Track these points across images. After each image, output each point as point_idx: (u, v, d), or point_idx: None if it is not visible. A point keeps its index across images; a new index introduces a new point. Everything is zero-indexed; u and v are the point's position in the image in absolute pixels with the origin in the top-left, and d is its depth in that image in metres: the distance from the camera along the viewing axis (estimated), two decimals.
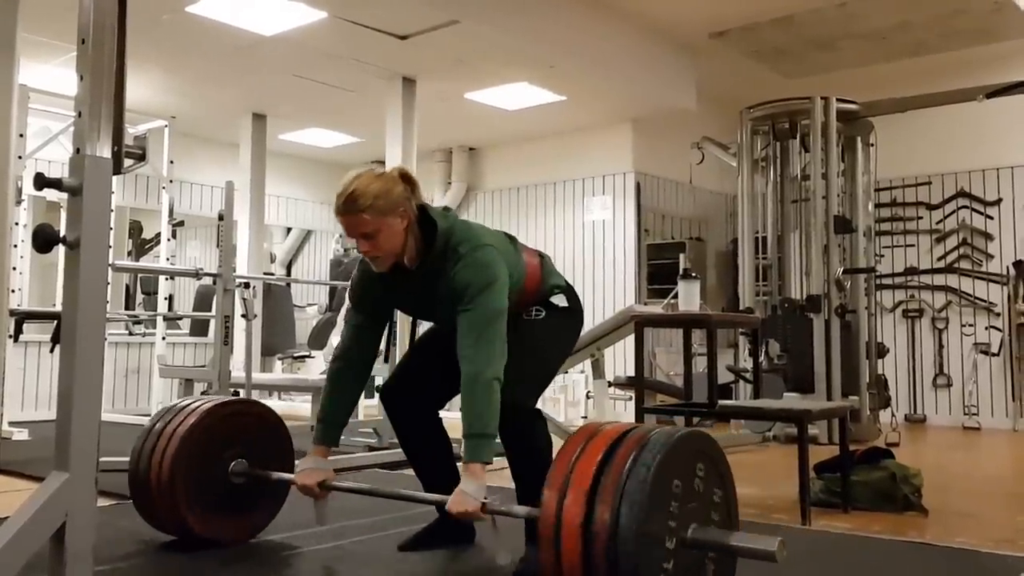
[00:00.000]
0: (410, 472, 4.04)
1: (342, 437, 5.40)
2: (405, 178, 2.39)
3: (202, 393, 4.40)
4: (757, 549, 1.79)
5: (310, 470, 2.50)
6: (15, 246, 5.27)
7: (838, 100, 6.22)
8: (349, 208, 2.30)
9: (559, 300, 2.60)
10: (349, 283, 2.63)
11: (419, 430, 2.69)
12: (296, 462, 2.67)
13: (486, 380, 2.22)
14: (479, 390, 2.22)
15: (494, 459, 2.23)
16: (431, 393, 2.66)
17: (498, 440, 2.30)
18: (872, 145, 6.55)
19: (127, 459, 4.11)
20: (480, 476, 2.17)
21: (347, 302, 2.63)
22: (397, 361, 3.95)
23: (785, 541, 1.75)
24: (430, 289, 2.42)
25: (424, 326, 2.78)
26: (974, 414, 7.17)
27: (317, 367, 7.90)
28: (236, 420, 2.71)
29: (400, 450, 4.90)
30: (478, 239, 2.40)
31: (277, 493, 2.78)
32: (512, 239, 2.61)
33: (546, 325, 2.56)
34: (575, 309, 2.66)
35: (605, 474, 1.74)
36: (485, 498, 2.14)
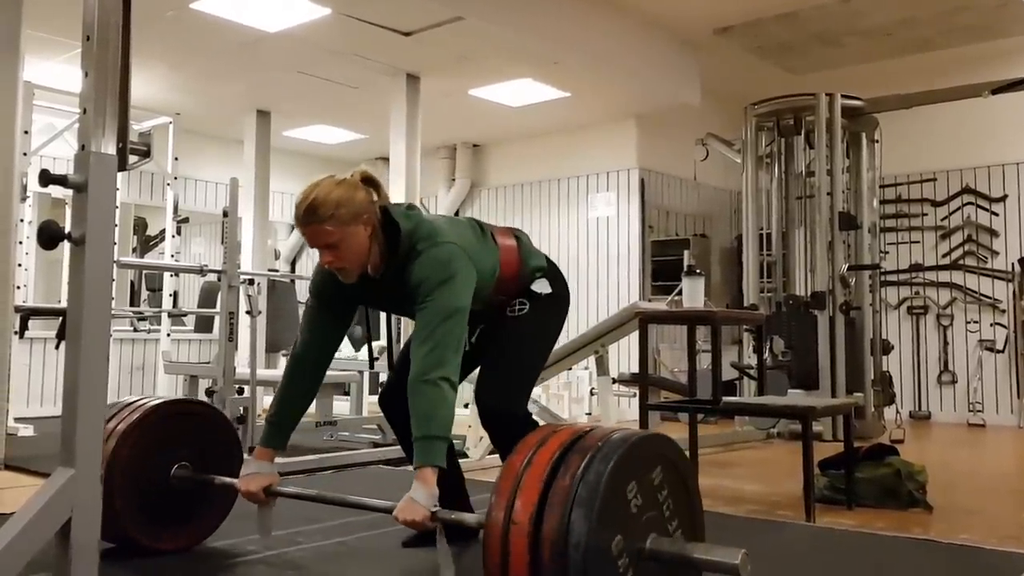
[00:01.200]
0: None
1: (346, 433, 5.41)
2: (367, 181, 2.30)
3: (207, 390, 4.40)
4: (720, 562, 1.64)
5: (253, 475, 2.36)
6: (20, 243, 5.28)
7: (843, 96, 6.21)
8: (310, 218, 2.19)
9: (541, 287, 2.52)
10: (311, 280, 2.48)
11: None
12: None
13: (432, 380, 2.09)
14: (426, 390, 2.09)
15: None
16: None
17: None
18: (877, 141, 6.53)
19: None
20: (429, 482, 2.02)
21: (308, 298, 2.49)
22: (376, 351, 3.92)
23: (748, 554, 1.62)
24: (397, 291, 2.30)
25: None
26: (979, 411, 7.15)
27: None
28: (179, 421, 2.57)
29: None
30: (437, 235, 2.28)
31: (224, 499, 2.64)
32: (480, 225, 2.50)
33: (530, 320, 2.49)
34: (559, 294, 2.56)
35: (557, 479, 1.60)
36: (435, 506, 2.00)
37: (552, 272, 2.59)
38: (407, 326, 5.39)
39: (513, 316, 2.50)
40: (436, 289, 2.18)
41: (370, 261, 2.29)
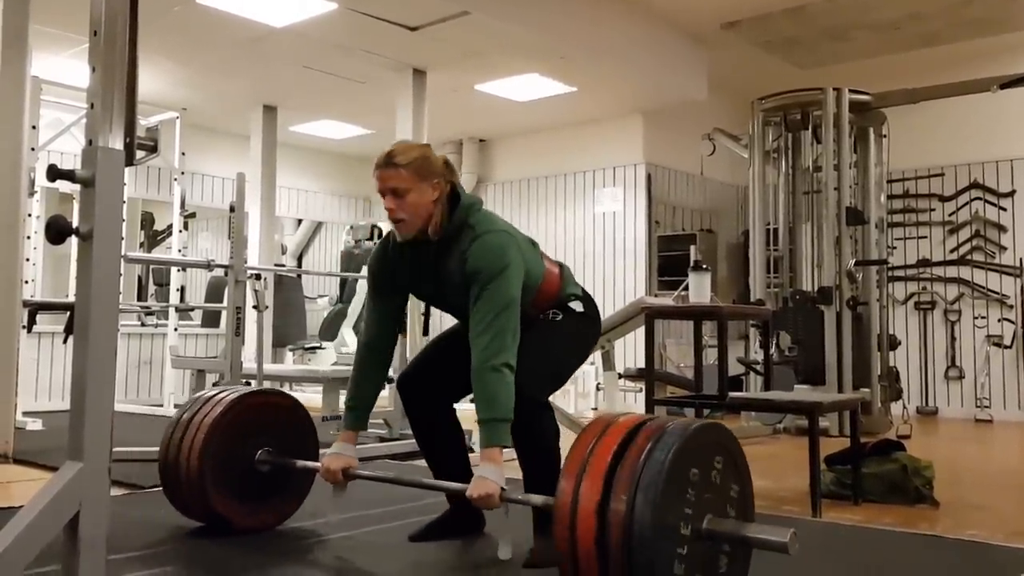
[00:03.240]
0: (422, 463, 4.05)
1: None
2: (447, 163, 2.45)
3: (214, 384, 4.41)
4: (770, 540, 1.80)
5: (336, 455, 2.53)
6: (28, 237, 5.30)
7: (850, 91, 6.19)
8: (388, 161, 2.36)
9: (576, 305, 2.59)
10: (367, 269, 2.66)
11: (433, 421, 2.70)
12: (321, 451, 2.71)
13: (495, 367, 2.24)
14: (489, 377, 2.24)
15: (511, 455, 2.22)
16: (447, 386, 2.65)
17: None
18: (884, 136, 6.51)
19: (140, 449, 4.16)
20: (498, 460, 2.20)
21: (367, 289, 2.66)
22: (408, 347, 4.00)
23: (797, 533, 1.76)
24: (443, 270, 2.42)
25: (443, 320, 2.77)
26: (986, 406, 7.13)
27: (328, 358, 7.93)
28: (261, 410, 2.76)
29: (411, 441, 4.92)
30: (494, 224, 2.42)
31: (302, 481, 2.83)
32: (534, 244, 2.62)
33: (563, 326, 2.55)
34: (592, 316, 2.65)
35: (621, 463, 1.74)
36: (503, 487, 2.16)
37: (587, 299, 2.66)
38: (415, 314, 5.40)
39: (546, 320, 2.54)
40: (492, 280, 2.30)
41: (431, 225, 2.40)
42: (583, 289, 2.69)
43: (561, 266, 2.66)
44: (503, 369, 2.24)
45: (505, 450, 2.27)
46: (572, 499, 1.75)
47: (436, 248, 2.43)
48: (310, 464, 2.72)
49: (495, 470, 2.18)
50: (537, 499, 2.13)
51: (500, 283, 2.30)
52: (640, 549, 1.65)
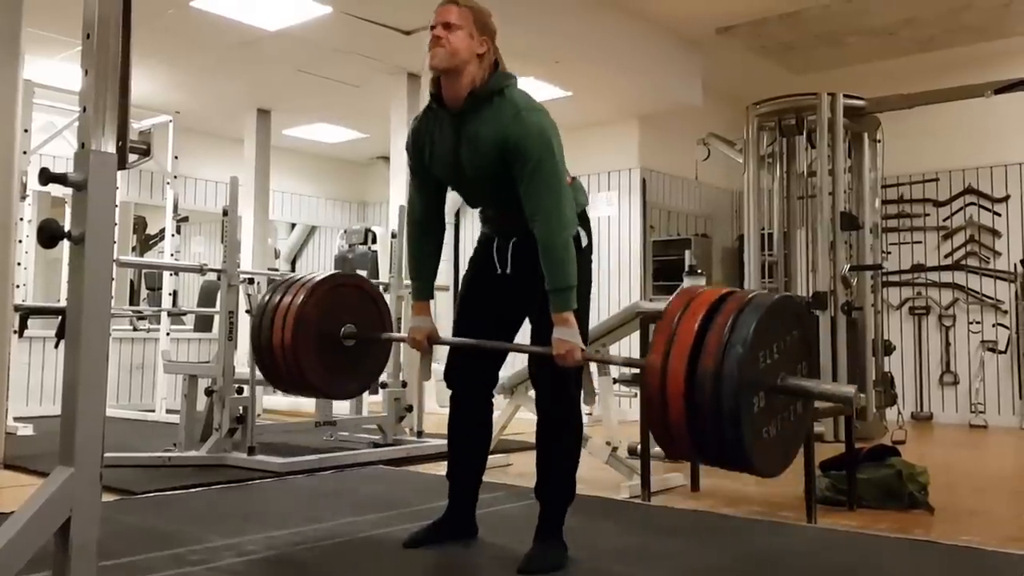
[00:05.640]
0: (414, 469, 4.03)
1: (346, 434, 5.41)
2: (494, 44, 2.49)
3: (206, 390, 4.39)
4: (837, 394, 2.19)
5: (418, 327, 2.65)
6: (20, 241, 5.27)
7: (845, 96, 6.19)
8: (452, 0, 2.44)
9: (581, 238, 2.54)
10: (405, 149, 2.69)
11: (480, 408, 2.70)
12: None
13: (564, 240, 2.35)
14: (559, 250, 2.34)
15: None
16: (487, 369, 2.68)
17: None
18: (879, 141, 6.52)
19: (131, 454, 4.15)
20: (571, 323, 2.34)
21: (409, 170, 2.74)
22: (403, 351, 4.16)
23: (858, 388, 2.09)
24: (471, 135, 2.41)
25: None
26: (981, 412, 7.14)
27: None
28: (344, 292, 3.07)
29: (404, 447, 4.90)
30: (534, 102, 2.43)
31: (379, 358, 3.20)
32: None
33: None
34: (589, 251, 2.62)
35: (710, 330, 2.00)
36: (582, 347, 2.32)
37: (584, 220, 2.63)
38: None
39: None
40: (543, 162, 2.34)
41: (466, 77, 2.42)
42: (584, 205, 2.64)
43: (573, 178, 2.61)
44: (568, 241, 2.35)
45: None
46: (662, 360, 2.01)
47: (464, 114, 2.43)
48: (395, 335, 3.14)
49: (571, 331, 2.32)
50: (619, 359, 2.55)
51: (551, 165, 2.35)
52: (725, 401, 1.93)
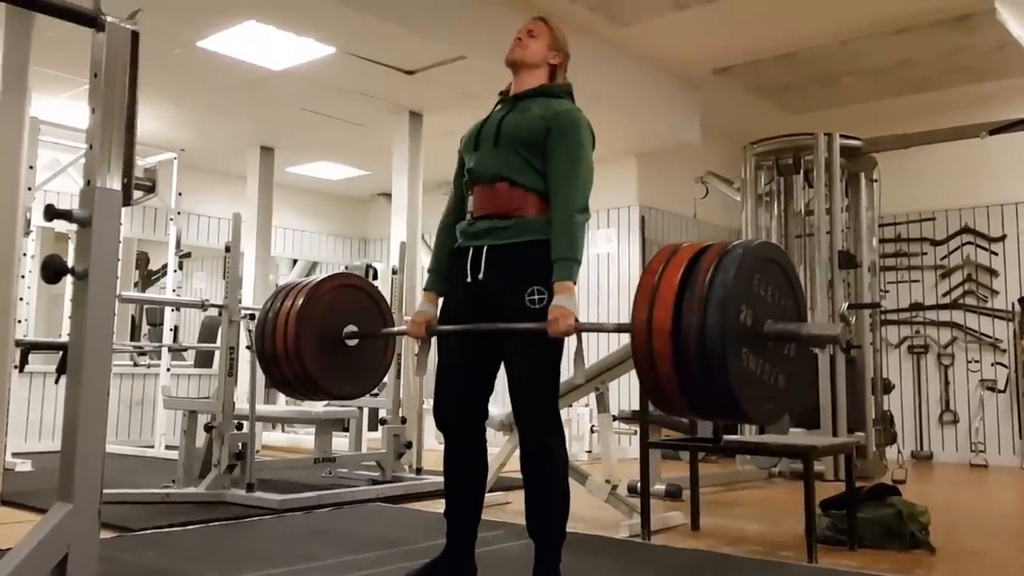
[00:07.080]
0: (413, 506, 4.01)
1: (345, 470, 5.40)
2: (565, 64, 2.83)
3: (206, 426, 4.38)
4: (823, 335, 2.13)
5: (420, 311, 2.72)
6: (23, 277, 5.30)
7: (841, 136, 6.25)
8: (541, 19, 2.79)
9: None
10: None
11: (474, 444, 2.64)
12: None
13: (580, 219, 2.50)
14: (574, 222, 2.48)
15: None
16: (476, 402, 2.63)
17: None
18: (876, 181, 6.57)
19: (130, 491, 4.13)
20: (572, 292, 2.41)
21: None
22: (402, 385, 4.03)
23: (847, 327, 2.03)
24: (512, 120, 2.66)
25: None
26: (981, 451, 7.11)
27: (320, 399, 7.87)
28: (345, 292, 3.10)
29: (403, 484, 4.88)
30: (583, 115, 2.68)
31: (381, 361, 3.21)
32: None
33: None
34: None
35: (689, 287, 2.02)
36: (577, 317, 2.37)
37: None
38: (410, 353, 5.38)
39: (534, 311, 2.46)
40: (577, 144, 2.58)
41: (535, 75, 2.75)
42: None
43: None
44: (583, 221, 2.51)
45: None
46: (647, 319, 2.04)
47: (525, 97, 2.70)
48: (395, 329, 3.14)
49: (570, 299, 2.38)
50: (610, 326, 2.55)
51: (584, 150, 2.57)
52: (711, 356, 1.94)
